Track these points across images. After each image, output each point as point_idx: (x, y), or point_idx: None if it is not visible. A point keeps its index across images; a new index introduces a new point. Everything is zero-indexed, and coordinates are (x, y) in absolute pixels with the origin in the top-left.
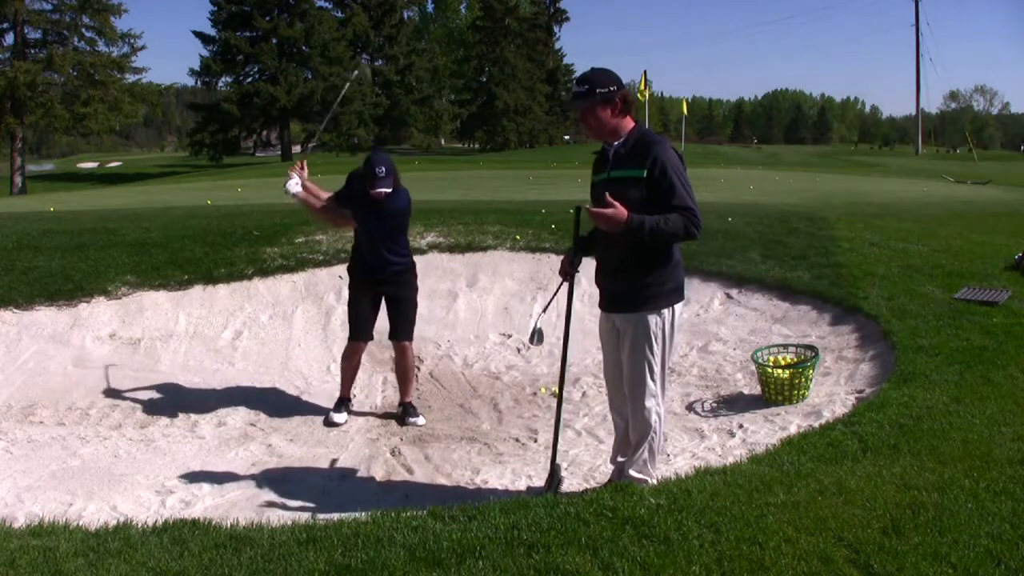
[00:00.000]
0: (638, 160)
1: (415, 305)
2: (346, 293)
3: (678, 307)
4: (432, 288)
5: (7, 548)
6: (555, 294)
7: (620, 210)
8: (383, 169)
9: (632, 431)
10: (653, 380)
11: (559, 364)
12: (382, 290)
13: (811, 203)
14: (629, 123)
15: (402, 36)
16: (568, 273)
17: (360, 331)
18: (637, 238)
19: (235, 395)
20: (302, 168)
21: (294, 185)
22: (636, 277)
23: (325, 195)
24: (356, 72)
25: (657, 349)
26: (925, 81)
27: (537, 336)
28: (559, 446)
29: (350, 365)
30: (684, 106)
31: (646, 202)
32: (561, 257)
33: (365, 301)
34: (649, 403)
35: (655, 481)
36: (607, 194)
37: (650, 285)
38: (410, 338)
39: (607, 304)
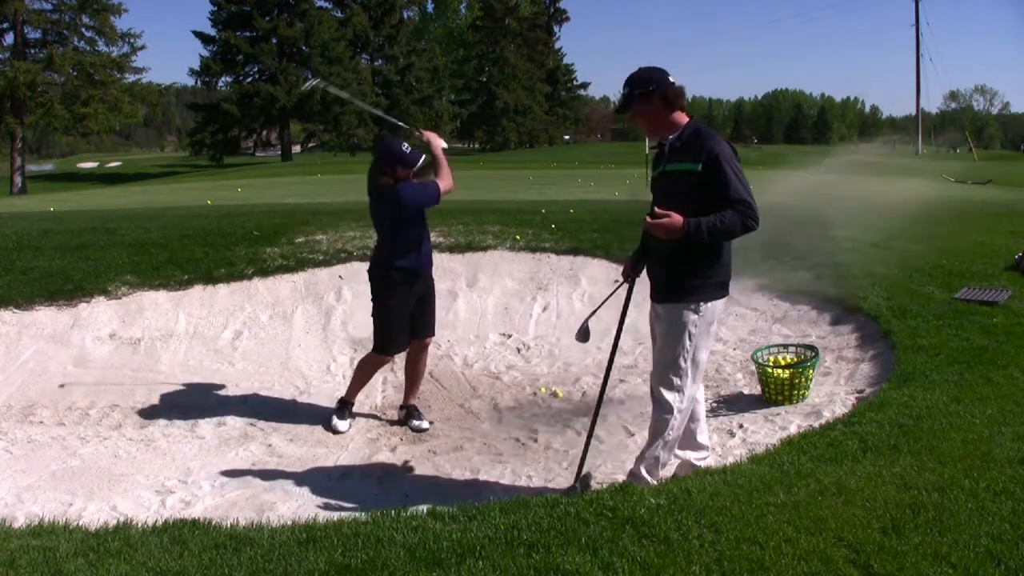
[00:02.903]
0: (692, 154)
1: None
2: (346, 293)
3: (720, 303)
4: None
5: (7, 548)
6: (611, 294)
7: (675, 219)
8: (405, 144)
9: (651, 423)
10: (679, 374)
11: (559, 364)
12: (419, 286)
13: (811, 203)
14: (683, 118)
15: (402, 36)
16: (629, 275)
17: (401, 345)
18: (698, 241)
19: (235, 395)
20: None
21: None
22: (682, 269)
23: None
24: (315, 82)
25: (689, 343)
26: (925, 81)
27: (583, 334)
28: (568, 449)
29: (369, 376)
30: None
31: (700, 196)
32: (561, 257)
33: (407, 309)
34: (670, 396)
35: (656, 483)
36: (655, 207)
37: (694, 277)
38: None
39: (653, 294)
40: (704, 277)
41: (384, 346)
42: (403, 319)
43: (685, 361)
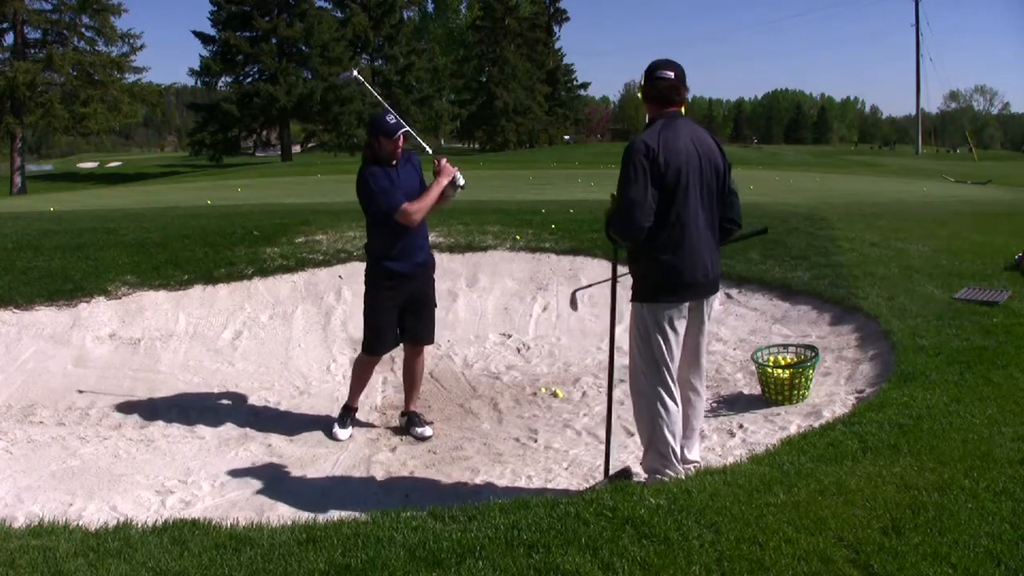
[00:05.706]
0: None
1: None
2: (346, 293)
3: (679, 308)
4: None
5: (7, 548)
6: (608, 279)
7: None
8: (391, 115)
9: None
10: (640, 372)
11: (559, 364)
12: (410, 288)
13: (811, 203)
14: (669, 111)
15: (402, 36)
16: None
17: (387, 344)
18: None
19: (235, 395)
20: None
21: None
22: (632, 270)
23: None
24: (351, 73)
25: (638, 342)
26: (925, 81)
27: (572, 303)
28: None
29: (365, 377)
30: (684, 106)
31: None
32: (561, 257)
33: (393, 309)
34: (639, 398)
35: (674, 473)
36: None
37: (639, 279)
38: (433, 339)
39: None
40: (650, 278)
41: (369, 345)
42: (388, 318)
43: (639, 360)
